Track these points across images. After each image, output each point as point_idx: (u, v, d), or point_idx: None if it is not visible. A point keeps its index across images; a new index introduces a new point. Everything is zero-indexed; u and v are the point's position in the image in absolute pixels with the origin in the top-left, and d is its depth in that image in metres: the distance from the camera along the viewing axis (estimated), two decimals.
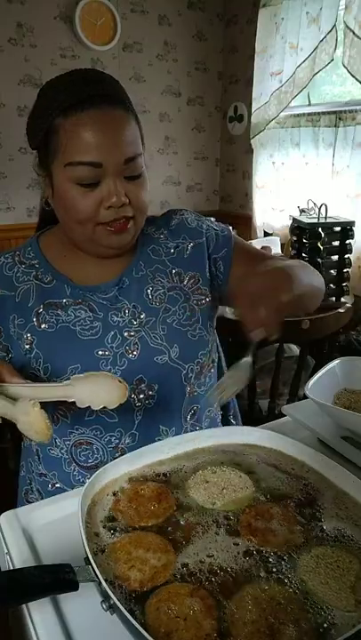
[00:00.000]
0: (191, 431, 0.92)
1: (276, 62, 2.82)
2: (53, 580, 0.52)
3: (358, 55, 2.26)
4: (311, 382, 0.85)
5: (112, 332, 0.86)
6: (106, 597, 0.49)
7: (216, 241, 0.96)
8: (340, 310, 2.20)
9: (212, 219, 1.03)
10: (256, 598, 0.51)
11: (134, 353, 0.86)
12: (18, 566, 0.61)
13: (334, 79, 2.83)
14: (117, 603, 0.46)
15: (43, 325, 0.85)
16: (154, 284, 0.90)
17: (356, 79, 2.29)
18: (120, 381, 0.68)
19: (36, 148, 0.82)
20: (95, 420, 0.85)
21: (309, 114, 2.78)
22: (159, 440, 0.86)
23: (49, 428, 0.62)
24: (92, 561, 0.50)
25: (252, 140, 3.10)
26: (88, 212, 0.78)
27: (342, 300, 2.29)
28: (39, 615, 0.56)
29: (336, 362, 0.93)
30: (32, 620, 0.55)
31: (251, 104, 3.04)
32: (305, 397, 0.85)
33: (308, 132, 2.80)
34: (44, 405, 0.64)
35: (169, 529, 0.60)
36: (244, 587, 0.52)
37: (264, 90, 2.92)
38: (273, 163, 3.06)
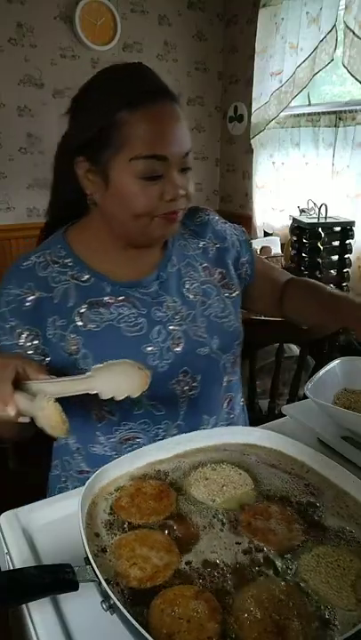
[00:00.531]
0: (227, 419, 0.96)
1: (276, 62, 2.82)
2: (53, 579, 0.52)
3: (358, 55, 2.26)
4: (311, 382, 0.85)
5: (157, 327, 0.87)
6: (106, 597, 0.49)
7: (240, 246, 1.01)
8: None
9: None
10: (259, 597, 0.51)
11: (179, 346, 0.87)
12: (18, 566, 0.61)
13: (334, 79, 2.83)
14: (117, 603, 0.46)
15: (89, 325, 0.84)
16: (189, 277, 0.93)
17: (357, 79, 2.29)
18: (140, 368, 0.67)
19: (85, 143, 0.80)
20: (144, 414, 0.87)
21: (309, 114, 2.78)
22: (203, 429, 0.89)
23: (64, 421, 0.62)
24: (92, 561, 0.50)
25: (252, 140, 3.10)
26: (149, 205, 0.78)
27: None
28: (39, 615, 0.55)
29: (336, 362, 0.94)
30: (32, 620, 0.55)
31: (251, 104, 3.04)
32: (305, 397, 0.85)
33: (308, 132, 2.80)
34: (69, 401, 0.64)
35: (170, 527, 0.60)
36: (247, 586, 0.52)
37: (264, 90, 2.92)
38: (273, 163, 3.06)
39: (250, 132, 3.11)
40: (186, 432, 0.83)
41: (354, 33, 2.27)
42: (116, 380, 0.67)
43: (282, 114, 2.86)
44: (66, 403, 0.64)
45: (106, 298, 0.86)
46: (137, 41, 3.10)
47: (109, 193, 0.80)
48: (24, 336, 0.84)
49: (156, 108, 0.77)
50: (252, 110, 3.03)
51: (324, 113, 2.69)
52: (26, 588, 0.51)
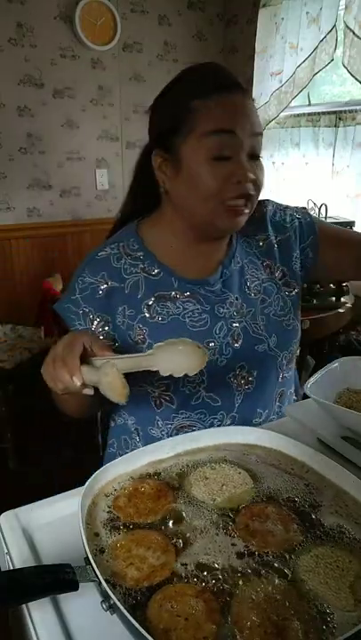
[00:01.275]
0: (278, 412, 0.99)
1: (276, 62, 2.82)
2: (53, 579, 0.52)
3: (358, 55, 2.26)
4: (311, 381, 0.85)
5: (220, 324, 0.90)
6: (106, 597, 0.49)
7: (301, 230, 1.01)
8: (340, 310, 2.20)
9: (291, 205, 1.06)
10: (258, 599, 0.51)
11: (238, 342, 0.91)
12: (18, 566, 0.61)
13: (334, 79, 2.83)
14: (117, 603, 0.46)
15: (155, 317, 0.89)
16: (250, 275, 0.95)
17: (357, 79, 2.29)
18: (199, 347, 0.70)
19: (161, 132, 0.86)
20: (201, 404, 0.91)
21: (309, 114, 2.78)
22: (255, 422, 0.94)
23: (125, 386, 0.66)
24: (92, 561, 0.50)
25: None
26: (217, 185, 0.81)
27: (342, 300, 2.29)
28: (39, 615, 0.55)
29: (337, 362, 0.93)
30: (32, 620, 0.55)
31: None
32: (305, 397, 0.85)
33: (308, 131, 2.80)
34: (131, 384, 0.68)
35: (168, 526, 0.60)
36: (245, 588, 0.52)
37: (264, 90, 2.92)
38: (273, 163, 3.06)
39: None
40: (240, 424, 0.89)
41: (354, 33, 2.27)
42: (176, 359, 0.70)
43: (282, 114, 2.86)
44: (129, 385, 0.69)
45: (173, 292, 0.90)
46: (137, 41, 3.10)
47: (180, 178, 0.84)
48: (95, 322, 0.89)
49: (227, 96, 0.81)
50: None
51: (324, 113, 2.69)
52: (26, 588, 0.51)
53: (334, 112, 2.62)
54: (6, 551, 0.65)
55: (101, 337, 0.89)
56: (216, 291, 0.92)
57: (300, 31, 2.61)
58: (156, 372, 0.70)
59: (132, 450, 0.96)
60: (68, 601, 0.57)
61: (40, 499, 0.76)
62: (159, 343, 0.70)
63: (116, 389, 0.66)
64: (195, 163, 0.81)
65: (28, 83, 2.84)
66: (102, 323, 0.89)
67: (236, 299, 0.93)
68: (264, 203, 1.02)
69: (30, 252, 3.04)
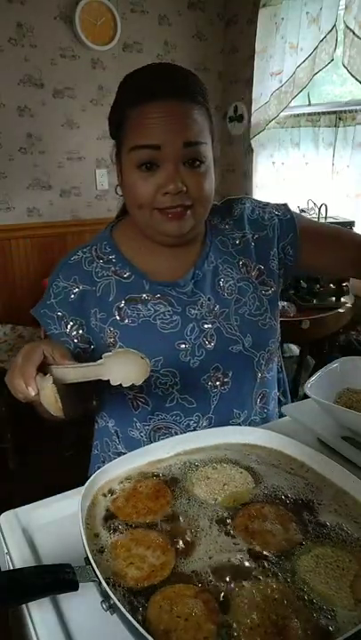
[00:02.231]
0: (261, 413, 0.98)
1: (276, 62, 2.82)
2: (53, 579, 0.52)
3: (358, 55, 2.26)
4: (311, 381, 0.85)
5: (191, 325, 0.90)
6: (106, 597, 0.49)
7: (281, 228, 0.99)
8: (340, 310, 2.20)
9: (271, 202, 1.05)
10: (257, 599, 0.51)
11: (211, 343, 0.90)
12: (18, 566, 0.61)
13: (334, 79, 2.83)
14: (117, 603, 0.46)
15: (126, 320, 0.89)
16: (224, 275, 0.94)
17: (357, 79, 2.29)
18: (142, 357, 0.70)
19: (113, 138, 0.87)
20: (176, 406, 0.90)
21: (309, 114, 2.78)
22: (233, 423, 0.93)
23: (57, 401, 0.67)
24: (92, 561, 0.50)
25: (252, 140, 3.10)
26: (146, 196, 0.80)
27: (342, 300, 2.29)
28: (39, 615, 0.55)
29: (337, 362, 0.93)
30: (32, 620, 0.55)
31: (251, 104, 3.04)
32: (305, 397, 0.85)
33: (308, 131, 2.80)
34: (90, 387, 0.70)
35: (169, 526, 0.60)
36: (246, 588, 0.52)
37: (264, 90, 2.92)
38: (273, 163, 3.06)
39: (250, 132, 3.11)
40: (217, 425, 0.88)
41: (354, 33, 2.27)
42: (123, 369, 0.70)
43: (282, 114, 2.86)
44: (106, 387, 0.70)
45: (144, 295, 0.90)
46: (137, 41, 3.10)
47: (122, 185, 0.86)
48: (70, 325, 0.90)
49: (157, 104, 0.78)
50: (252, 110, 3.03)
51: (324, 113, 2.69)
52: (26, 588, 0.51)
53: (334, 112, 2.62)
54: (6, 551, 0.65)
55: (76, 340, 0.90)
56: (187, 292, 0.91)
57: (300, 31, 2.61)
58: (108, 381, 0.71)
59: (114, 452, 0.98)
60: (68, 601, 0.57)
61: (40, 499, 0.76)
62: (108, 353, 0.70)
63: (49, 403, 0.67)
64: (127, 171, 0.82)
65: (28, 83, 2.84)
66: (76, 326, 0.90)
67: (209, 299, 0.91)
68: (242, 201, 1.00)
69: (30, 251, 3.04)
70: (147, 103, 0.78)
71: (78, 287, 0.90)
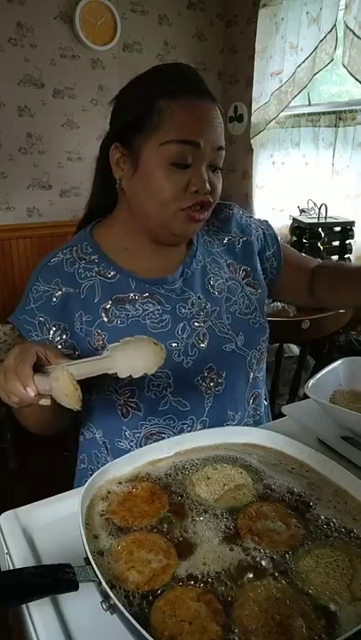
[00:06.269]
0: (253, 415, 0.97)
1: (276, 62, 2.82)
2: (53, 579, 0.52)
3: (358, 55, 2.26)
4: (311, 382, 0.85)
5: (181, 324, 0.88)
6: (106, 597, 0.49)
7: (265, 240, 1.01)
8: (340, 310, 2.20)
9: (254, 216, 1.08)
10: (260, 599, 0.51)
11: (204, 342, 0.88)
12: (18, 566, 0.61)
13: (334, 79, 2.83)
14: (117, 603, 0.46)
15: (114, 321, 0.85)
16: (213, 274, 0.94)
17: (357, 79, 2.29)
18: (155, 343, 0.66)
19: (123, 128, 0.82)
20: (169, 409, 0.87)
21: (309, 114, 2.78)
22: (228, 425, 0.90)
23: (77, 389, 0.61)
24: (92, 561, 0.50)
25: (252, 140, 3.10)
26: (174, 192, 0.79)
27: None
28: (39, 615, 0.55)
29: (338, 362, 0.93)
30: (32, 620, 0.55)
31: (251, 104, 3.04)
32: (305, 397, 0.85)
33: (308, 131, 2.80)
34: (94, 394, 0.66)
35: (169, 528, 0.60)
36: (247, 588, 0.52)
37: (264, 90, 2.92)
38: (273, 163, 3.06)
39: (250, 132, 3.11)
40: (212, 427, 0.85)
41: (354, 33, 2.27)
42: (132, 358, 0.66)
43: (282, 114, 2.86)
44: (90, 396, 0.66)
45: (131, 294, 0.87)
46: (137, 41, 3.10)
47: (137, 177, 0.82)
48: (52, 331, 0.85)
49: (196, 101, 0.79)
50: (252, 110, 3.03)
51: (324, 113, 2.69)
52: (26, 588, 0.51)
53: (334, 112, 2.62)
54: (6, 551, 0.65)
55: (59, 346, 0.85)
56: (177, 290, 0.89)
57: (300, 31, 2.61)
58: (115, 375, 0.66)
59: (103, 464, 0.93)
60: (68, 601, 0.57)
61: (40, 499, 0.76)
62: (114, 344, 0.66)
63: (68, 393, 0.61)
64: (153, 165, 0.79)
65: (28, 83, 2.84)
66: (59, 331, 0.85)
67: (199, 298, 0.90)
68: (230, 206, 1.02)
69: (30, 251, 3.04)
70: (188, 97, 0.78)
71: (60, 290, 0.85)
